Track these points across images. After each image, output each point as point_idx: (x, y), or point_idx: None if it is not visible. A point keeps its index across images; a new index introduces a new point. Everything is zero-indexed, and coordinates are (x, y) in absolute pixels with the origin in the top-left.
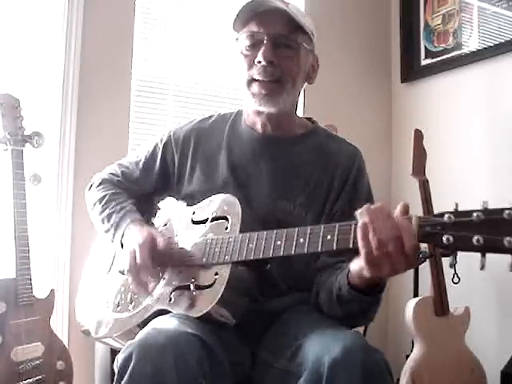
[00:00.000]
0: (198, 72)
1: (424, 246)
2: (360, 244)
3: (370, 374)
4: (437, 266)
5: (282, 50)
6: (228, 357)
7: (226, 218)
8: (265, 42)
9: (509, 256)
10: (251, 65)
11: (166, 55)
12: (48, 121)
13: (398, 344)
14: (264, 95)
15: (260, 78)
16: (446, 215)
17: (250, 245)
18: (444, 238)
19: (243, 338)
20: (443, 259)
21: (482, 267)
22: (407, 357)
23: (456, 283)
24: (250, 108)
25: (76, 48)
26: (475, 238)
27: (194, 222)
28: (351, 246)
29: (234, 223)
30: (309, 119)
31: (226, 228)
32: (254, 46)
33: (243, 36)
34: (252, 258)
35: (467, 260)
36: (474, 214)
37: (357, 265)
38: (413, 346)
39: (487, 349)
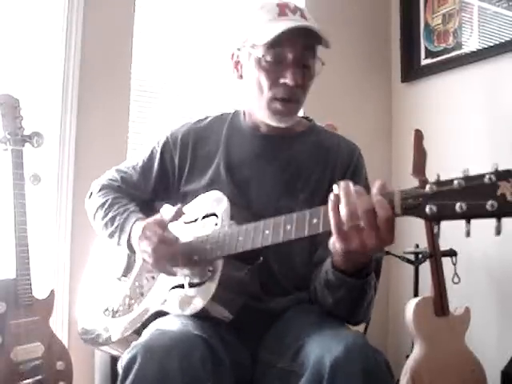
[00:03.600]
0: (198, 72)
1: (424, 246)
2: (330, 214)
3: (371, 374)
4: (437, 266)
5: (305, 69)
6: (229, 357)
7: (215, 215)
8: (290, 62)
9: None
10: (275, 83)
11: (166, 55)
12: (48, 121)
13: (398, 344)
14: (285, 114)
15: (286, 97)
16: (428, 185)
17: (240, 238)
18: (427, 209)
19: (244, 339)
20: (443, 259)
21: (468, 234)
22: (407, 357)
23: (456, 283)
24: (260, 118)
25: (76, 48)
26: (458, 205)
27: (185, 223)
28: None
29: (224, 219)
30: (305, 118)
31: (216, 224)
32: (277, 61)
33: (264, 50)
34: (242, 250)
35: (467, 260)
36: (455, 182)
37: (331, 240)
38: (413, 346)
39: (487, 349)
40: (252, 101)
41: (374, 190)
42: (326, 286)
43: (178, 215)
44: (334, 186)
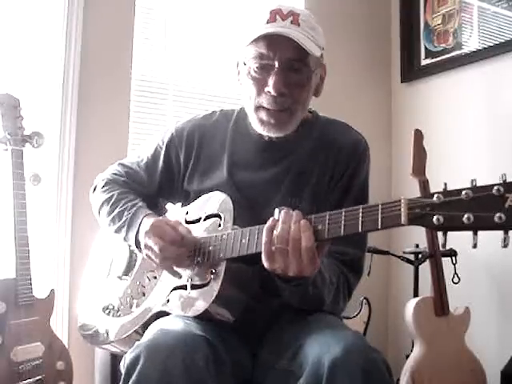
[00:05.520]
0: (198, 72)
1: (424, 247)
2: (264, 233)
3: (370, 375)
4: (437, 266)
5: (293, 75)
6: (231, 357)
7: (218, 216)
8: (276, 69)
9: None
10: (260, 91)
11: (166, 55)
12: (48, 121)
13: (398, 344)
14: (273, 124)
15: (270, 108)
16: (435, 195)
17: (243, 240)
18: (434, 219)
19: (244, 339)
20: (443, 259)
21: (475, 246)
22: (407, 357)
23: (456, 283)
24: (254, 126)
25: (76, 48)
26: (465, 216)
27: (188, 222)
28: (342, 233)
29: (227, 220)
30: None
31: (219, 225)
32: (263, 69)
33: (251, 57)
34: (245, 253)
35: (467, 260)
36: (463, 192)
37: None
38: (413, 346)
39: (487, 349)
40: (247, 109)
41: (305, 221)
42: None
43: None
44: (276, 211)
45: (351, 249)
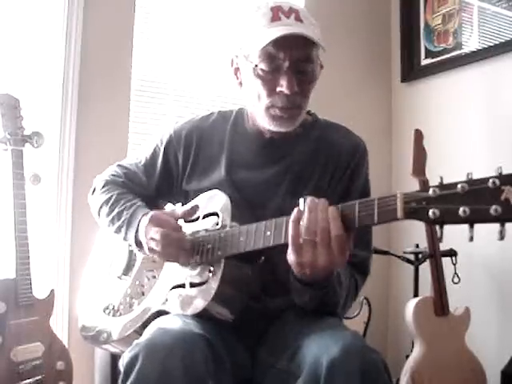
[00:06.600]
0: (198, 72)
1: (424, 246)
2: (290, 226)
3: (368, 375)
4: (437, 266)
5: (303, 73)
6: (230, 357)
7: (216, 214)
8: (286, 69)
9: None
10: (271, 92)
11: (166, 55)
12: (48, 121)
13: (398, 344)
14: (285, 119)
15: (283, 106)
16: (431, 189)
17: (241, 238)
18: (430, 213)
19: (244, 339)
20: (443, 259)
21: (471, 239)
22: (407, 357)
23: (456, 283)
24: (261, 124)
25: (76, 48)
26: (461, 209)
27: (186, 221)
28: None
29: (225, 218)
30: (307, 112)
31: (217, 223)
32: (273, 70)
33: (260, 58)
34: (243, 251)
35: (467, 260)
36: (459, 186)
37: (288, 251)
38: (413, 346)
39: (487, 349)
40: (252, 107)
41: (333, 209)
42: (293, 290)
43: (192, 213)
44: (301, 201)
45: (359, 251)
